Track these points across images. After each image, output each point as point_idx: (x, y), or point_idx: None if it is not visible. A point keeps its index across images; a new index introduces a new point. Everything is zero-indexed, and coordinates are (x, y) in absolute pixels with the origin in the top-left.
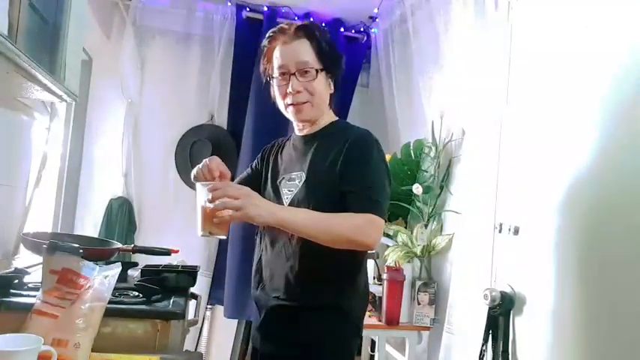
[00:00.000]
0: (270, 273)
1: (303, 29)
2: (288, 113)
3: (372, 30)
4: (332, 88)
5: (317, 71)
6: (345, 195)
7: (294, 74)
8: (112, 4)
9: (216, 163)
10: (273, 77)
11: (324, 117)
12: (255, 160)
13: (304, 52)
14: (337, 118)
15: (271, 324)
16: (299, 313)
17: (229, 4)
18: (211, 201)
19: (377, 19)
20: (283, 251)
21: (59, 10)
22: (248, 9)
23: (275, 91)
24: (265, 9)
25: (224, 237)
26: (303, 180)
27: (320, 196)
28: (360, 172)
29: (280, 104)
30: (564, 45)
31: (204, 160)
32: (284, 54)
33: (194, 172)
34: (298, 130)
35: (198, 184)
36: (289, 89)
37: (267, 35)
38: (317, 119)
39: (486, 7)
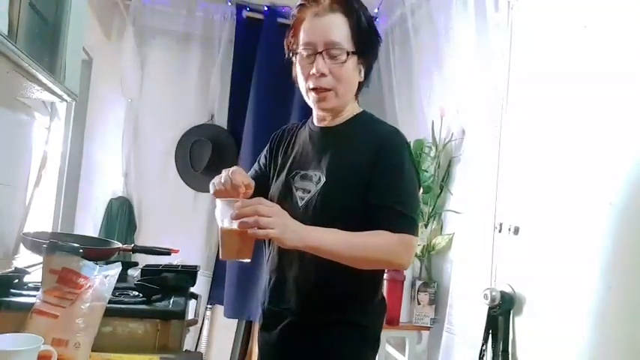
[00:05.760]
0: (278, 282)
1: (340, 1)
2: (309, 99)
3: None
4: (362, 75)
5: (348, 54)
6: (376, 208)
7: (321, 53)
8: (112, 4)
9: (241, 176)
10: (296, 53)
11: (347, 108)
12: (264, 154)
13: (337, 29)
14: (362, 110)
15: (286, 344)
16: (316, 332)
17: (229, 3)
18: (237, 218)
19: (377, 19)
20: (296, 259)
21: (59, 10)
22: (248, 9)
23: (297, 70)
24: (265, 9)
25: (249, 260)
26: (322, 182)
27: (341, 203)
28: (393, 182)
29: (302, 86)
30: (564, 45)
31: (224, 172)
32: (313, 28)
33: (214, 185)
34: (317, 120)
35: (220, 202)
36: (313, 70)
37: (297, 3)
38: (340, 110)
39: (486, 7)
